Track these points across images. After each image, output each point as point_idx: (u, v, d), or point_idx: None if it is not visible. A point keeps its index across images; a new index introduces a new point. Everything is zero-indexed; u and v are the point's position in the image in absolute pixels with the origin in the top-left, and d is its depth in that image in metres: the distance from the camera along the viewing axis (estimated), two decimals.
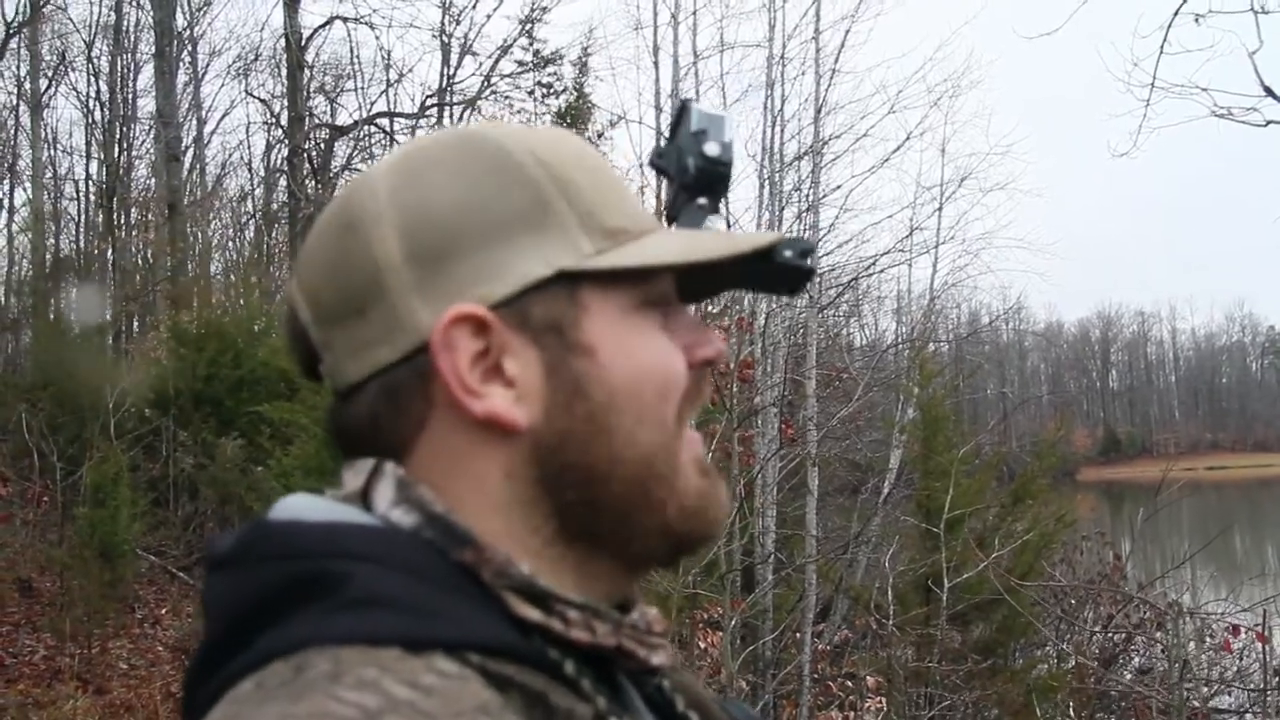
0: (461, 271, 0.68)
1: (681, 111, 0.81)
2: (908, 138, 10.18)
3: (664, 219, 0.80)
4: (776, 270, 0.75)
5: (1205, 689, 6.25)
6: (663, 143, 0.83)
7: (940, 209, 10.81)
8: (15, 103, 24.29)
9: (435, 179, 0.69)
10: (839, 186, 10.40)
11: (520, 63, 19.49)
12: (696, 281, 0.76)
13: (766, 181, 9.39)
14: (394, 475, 0.68)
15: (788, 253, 0.75)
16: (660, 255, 0.71)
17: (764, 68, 9.68)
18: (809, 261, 0.75)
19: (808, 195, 9.20)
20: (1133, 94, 6.16)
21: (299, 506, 0.68)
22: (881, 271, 11.72)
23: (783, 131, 9.54)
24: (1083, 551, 7.72)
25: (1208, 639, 6.57)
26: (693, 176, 0.79)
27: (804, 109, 9.66)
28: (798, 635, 7.32)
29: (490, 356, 0.67)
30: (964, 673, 6.07)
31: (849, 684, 7.39)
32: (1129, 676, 6.37)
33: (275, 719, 0.52)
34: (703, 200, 0.79)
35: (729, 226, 0.86)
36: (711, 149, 0.79)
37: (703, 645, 7.76)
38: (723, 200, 0.81)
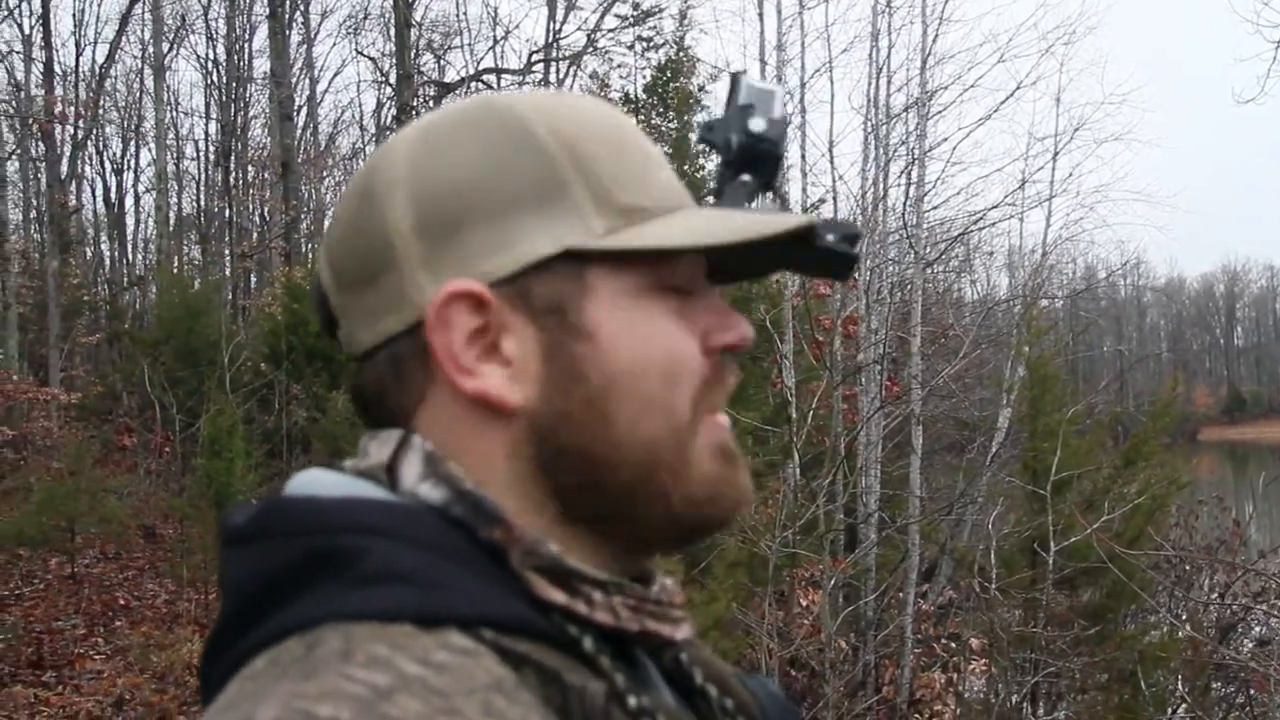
0: (467, 246, 0.67)
1: (732, 85, 0.78)
2: (1018, 87, 9.78)
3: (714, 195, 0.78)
4: (821, 254, 0.72)
5: None
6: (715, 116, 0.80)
7: (1054, 160, 10.41)
8: (140, 66, 25.19)
9: (452, 149, 0.69)
10: (946, 139, 10.11)
11: (621, 16, 19.40)
12: (735, 261, 0.74)
13: (871, 135, 9.18)
14: (422, 449, 0.67)
15: (830, 237, 0.71)
16: (670, 238, 0.68)
17: (869, 18, 9.44)
18: (854, 248, 0.72)
19: (914, 149, 8.97)
20: (1262, 35, 5.83)
21: (315, 482, 0.68)
22: (992, 225, 11.36)
23: (889, 83, 9.30)
24: (1199, 516, 7.44)
25: None
26: (734, 153, 0.76)
27: (911, 59, 9.40)
28: (900, 596, 7.24)
29: (489, 334, 0.67)
30: (1071, 638, 5.92)
31: (953, 646, 7.30)
32: (1249, 647, 6.15)
33: (286, 698, 0.52)
34: (746, 177, 0.76)
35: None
36: (756, 125, 0.75)
37: (803, 603, 7.73)
38: (773, 179, 0.77)
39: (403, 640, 0.56)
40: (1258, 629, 6.44)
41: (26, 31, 20.34)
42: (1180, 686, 5.90)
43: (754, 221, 0.69)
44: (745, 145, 0.76)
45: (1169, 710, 5.88)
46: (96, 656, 7.16)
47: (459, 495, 0.65)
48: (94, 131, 25.00)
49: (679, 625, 0.70)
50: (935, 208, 9.42)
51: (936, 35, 9.06)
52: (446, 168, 0.68)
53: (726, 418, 0.73)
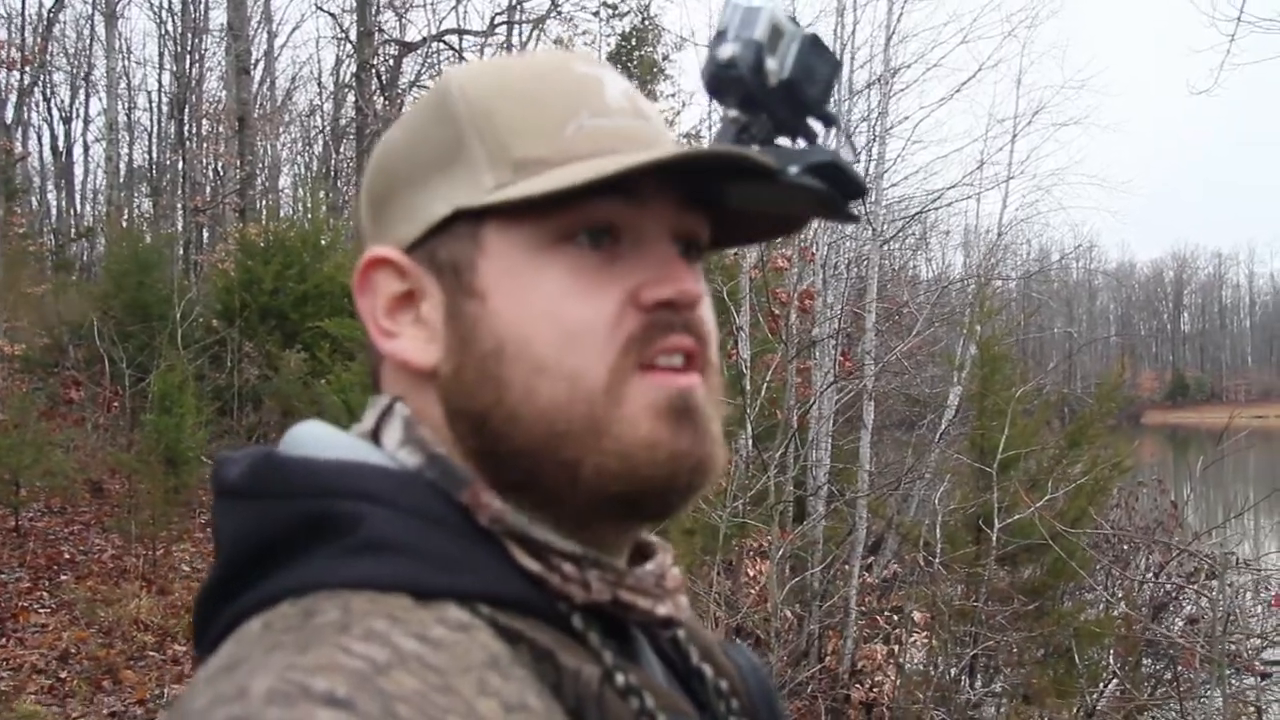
0: (392, 215, 0.70)
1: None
2: (980, 68, 9.99)
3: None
4: (803, 192, 0.65)
5: (1257, 641, 6.19)
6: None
7: (1013, 142, 10.52)
8: (91, 13, 24.60)
9: (397, 129, 0.72)
10: (907, 117, 10.18)
11: None
12: (735, 215, 0.71)
13: (834, 110, 9.21)
14: (402, 414, 0.68)
15: (792, 169, 0.63)
16: (534, 187, 0.64)
17: None
18: (823, 178, 0.64)
19: (875, 126, 9.02)
20: (1217, 28, 5.92)
21: (313, 440, 0.68)
22: (949, 205, 11.48)
23: (852, 59, 9.32)
24: (1139, 497, 7.61)
25: (1263, 592, 6.48)
26: (706, 84, 0.69)
27: (875, 36, 9.44)
28: (846, 568, 7.34)
29: (416, 298, 0.69)
30: (1010, 613, 6.05)
31: (895, 618, 7.41)
32: (1179, 626, 6.32)
33: (281, 669, 0.51)
34: (733, 112, 0.69)
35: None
36: (724, 51, 0.67)
37: (750, 573, 7.82)
38: (754, 110, 0.69)
39: (400, 614, 0.56)
40: (1189, 608, 6.61)
41: None
42: (1113, 662, 6.06)
43: (642, 153, 0.63)
44: (712, 74, 0.68)
45: (1101, 684, 6.04)
46: (41, 610, 7.08)
47: (430, 459, 0.66)
48: (41, 78, 24.44)
49: (661, 601, 0.68)
50: (894, 185, 9.49)
51: (901, 13, 9.09)
52: (388, 146, 0.72)
53: (685, 375, 0.66)
